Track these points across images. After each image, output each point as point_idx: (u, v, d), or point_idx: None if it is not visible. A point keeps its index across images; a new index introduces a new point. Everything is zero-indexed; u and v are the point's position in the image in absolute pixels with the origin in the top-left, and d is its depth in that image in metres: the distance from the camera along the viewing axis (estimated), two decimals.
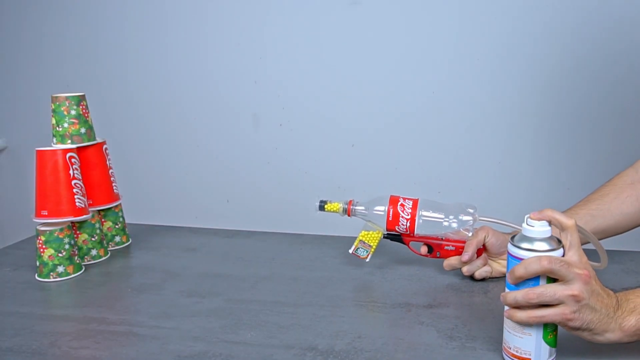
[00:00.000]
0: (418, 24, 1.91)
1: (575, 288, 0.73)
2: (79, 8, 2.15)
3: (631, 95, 1.79)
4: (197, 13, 2.06)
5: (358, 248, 1.11)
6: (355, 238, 1.12)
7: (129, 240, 1.32)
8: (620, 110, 1.81)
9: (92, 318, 0.95)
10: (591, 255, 0.89)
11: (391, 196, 1.09)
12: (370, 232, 1.11)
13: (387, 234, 1.11)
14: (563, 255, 0.76)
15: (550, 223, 0.77)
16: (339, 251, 1.23)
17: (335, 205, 1.12)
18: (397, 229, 1.08)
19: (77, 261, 1.15)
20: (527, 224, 0.78)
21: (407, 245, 1.11)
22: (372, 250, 1.11)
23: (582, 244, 0.79)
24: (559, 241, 0.77)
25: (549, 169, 1.90)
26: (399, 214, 1.07)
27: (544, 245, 0.76)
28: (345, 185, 2.01)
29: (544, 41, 1.83)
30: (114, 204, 1.27)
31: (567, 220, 0.76)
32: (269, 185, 2.09)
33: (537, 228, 0.77)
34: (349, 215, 1.11)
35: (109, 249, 1.27)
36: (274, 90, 2.04)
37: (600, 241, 1.00)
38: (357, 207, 1.11)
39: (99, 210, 1.25)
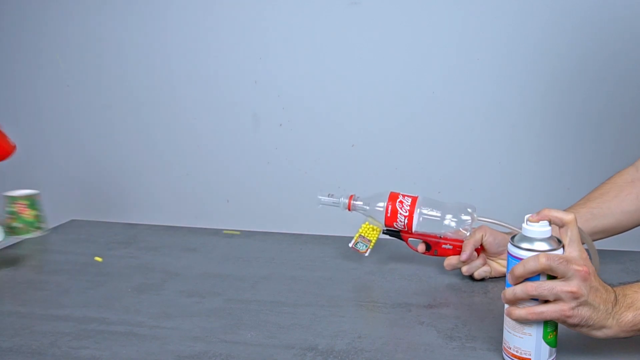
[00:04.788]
0: (418, 24, 1.91)
1: (573, 285, 0.73)
2: (79, 8, 2.15)
3: (632, 95, 1.79)
4: (197, 13, 2.06)
5: (358, 242, 1.12)
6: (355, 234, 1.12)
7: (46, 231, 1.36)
8: (621, 110, 1.81)
9: (92, 318, 0.95)
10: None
11: (391, 192, 1.09)
12: (370, 227, 1.11)
13: (386, 229, 1.11)
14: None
15: (550, 222, 0.77)
16: (339, 251, 1.23)
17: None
18: (395, 226, 1.09)
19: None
20: (527, 224, 0.78)
21: (406, 241, 1.11)
22: (372, 244, 1.12)
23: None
24: (559, 241, 0.77)
25: (550, 169, 1.90)
26: (398, 210, 1.07)
27: (544, 246, 0.76)
28: (345, 185, 2.00)
29: (544, 41, 1.83)
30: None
31: (566, 216, 0.77)
32: (269, 185, 2.09)
33: (537, 228, 0.77)
34: (349, 210, 1.12)
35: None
36: (274, 90, 2.04)
37: (601, 240, 1.01)
38: (357, 202, 1.11)
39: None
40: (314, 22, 1.98)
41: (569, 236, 0.76)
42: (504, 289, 0.78)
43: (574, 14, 1.79)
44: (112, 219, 1.49)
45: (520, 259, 0.76)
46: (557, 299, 0.74)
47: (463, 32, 1.88)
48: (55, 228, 1.41)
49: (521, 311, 0.76)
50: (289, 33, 2.00)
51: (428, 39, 1.91)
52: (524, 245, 0.77)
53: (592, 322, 0.75)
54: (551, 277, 0.75)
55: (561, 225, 0.77)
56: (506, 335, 0.79)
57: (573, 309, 0.74)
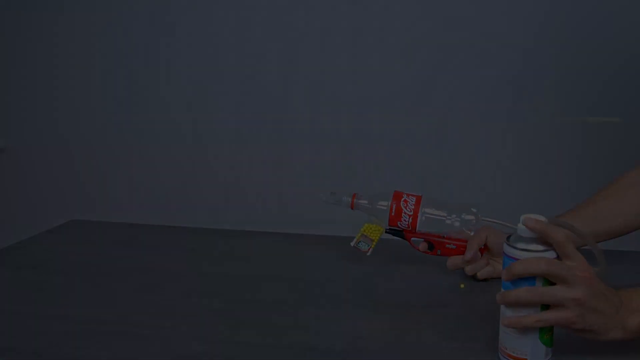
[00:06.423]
0: (418, 24, 1.91)
1: (578, 291, 0.73)
2: (78, 8, 2.15)
3: (635, 94, 1.79)
4: (196, 13, 2.06)
5: (360, 241, 1.11)
6: (357, 233, 1.12)
7: None
8: (624, 109, 1.81)
9: (92, 318, 0.95)
10: (590, 259, 0.88)
11: (395, 192, 1.09)
12: (373, 226, 1.11)
13: (389, 228, 1.10)
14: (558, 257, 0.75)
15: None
16: (339, 251, 1.22)
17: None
18: (399, 225, 1.08)
19: None
20: (523, 224, 0.77)
21: (409, 241, 1.10)
22: (374, 244, 1.11)
23: (581, 247, 0.79)
24: None
25: (550, 169, 1.90)
26: (402, 210, 1.07)
27: (540, 246, 0.76)
28: (345, 185, 2.00)
29: (544, 40, 1.83)
30: None
31: (556, 235, 0.74)
32: (269, 185, 2.09)
33: None
34: (352, 208, 1.11)
35: None
36: (273, 90, 2.04)
37: (603, 241, 1.00)
38: (360, 201, 1.11)
39: None
40: (314, 22, 1.98)
41: (563, 253, 0.75)
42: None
43: (574, 12, 1.79)
44: (112, 219, 1.49)
45: (516, 259, 0.76)
46: (560, 305, 0.74)
47: (463, 32, 1.88)
48: (55, 228, 1.41)
49: (528, 320, 0.74)
50: (289, 33, 2.00)
51: (428, 39, 1.91)
52: (520, 245, 0.76)
53: (597, 328, 0.74)
54: (547, 281, 0.75)
55: (554, 243, 0.76)
56: (502, 336, 0.79)
57: (578, 315, 0.73)
